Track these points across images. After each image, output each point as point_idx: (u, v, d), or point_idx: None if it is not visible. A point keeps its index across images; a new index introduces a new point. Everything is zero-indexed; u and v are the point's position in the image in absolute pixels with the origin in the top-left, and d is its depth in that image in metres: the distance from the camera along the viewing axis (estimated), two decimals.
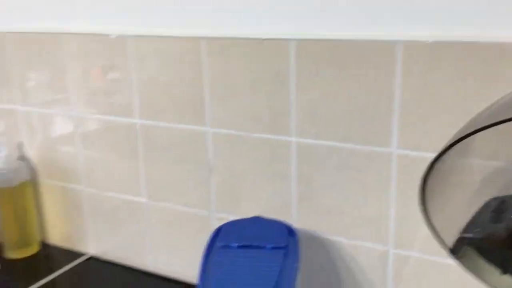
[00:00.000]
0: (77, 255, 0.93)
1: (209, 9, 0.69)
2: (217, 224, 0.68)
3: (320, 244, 0.70)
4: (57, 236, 0.96)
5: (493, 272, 0.50)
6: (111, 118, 0.82)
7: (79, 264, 0.90)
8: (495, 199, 0.50)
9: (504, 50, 0.53)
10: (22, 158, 0.94)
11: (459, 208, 0.52)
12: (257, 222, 0.65)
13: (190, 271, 0.83)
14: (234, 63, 0.69)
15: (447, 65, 0.56)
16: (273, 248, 0.59)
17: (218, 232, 0.63)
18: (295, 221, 0.71)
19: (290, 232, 0.63)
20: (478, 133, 0.45)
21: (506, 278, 0.50)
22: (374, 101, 0.61)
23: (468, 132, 0.42)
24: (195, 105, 0.74)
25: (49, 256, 0.94)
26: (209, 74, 0.71)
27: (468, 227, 0.50)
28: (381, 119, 0.61)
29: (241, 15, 0.67)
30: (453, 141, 0.43)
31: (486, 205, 0.50)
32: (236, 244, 0.60)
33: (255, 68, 0.67)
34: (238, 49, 0.68)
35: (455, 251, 0.51)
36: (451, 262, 0.62)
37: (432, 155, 0.46)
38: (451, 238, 0.51)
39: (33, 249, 0.94)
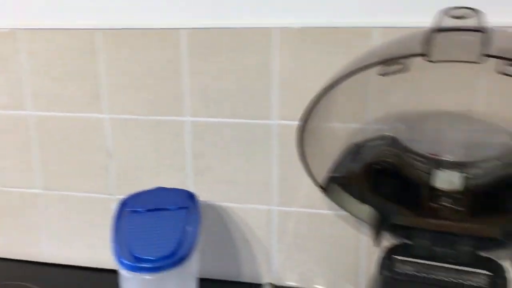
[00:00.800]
0: None
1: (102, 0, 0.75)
2: None
3: (215, 212, 0.79)
4: None
5: (354, 203, 0.64)
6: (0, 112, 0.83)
7: None
8: (354, 144, 0.65)
9: (355, 33, 0.67)
10: None
11: (329, 155, 0.65)
12: (159, 191, 0.73)
13: (93, 256, 0.86)
14: (129, 52, 0.75)
15: (313, 46, 0.69)
16: (177, 208, 0.67)
17: (124, 201, 0.69)
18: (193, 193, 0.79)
19: (190, 196, 0.71)
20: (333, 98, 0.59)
21: (363, 207, 0.64)
22: (256, 80, 0.72)
23: (324, 87, 0.55)
24: (91, 94, 0.79)
25: None
26: (104, 63, 0.77)
27: (334, 168, 0.63)
28: (262, 96, 0.73)
29: (134, 6, 0.74)
30: (314, 99, 0.56)
31: (348, 149, 0.64)
32: (143, 209, 0.67)
33: (150, 56, 0.75)
34: (133, 39, 0.75)
35: (326, 189, 0.64)
36: (324, 212, 0.75)
37: None
38: (322, 178, 0.64)
39: None
